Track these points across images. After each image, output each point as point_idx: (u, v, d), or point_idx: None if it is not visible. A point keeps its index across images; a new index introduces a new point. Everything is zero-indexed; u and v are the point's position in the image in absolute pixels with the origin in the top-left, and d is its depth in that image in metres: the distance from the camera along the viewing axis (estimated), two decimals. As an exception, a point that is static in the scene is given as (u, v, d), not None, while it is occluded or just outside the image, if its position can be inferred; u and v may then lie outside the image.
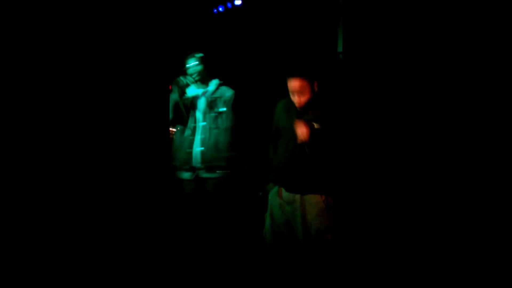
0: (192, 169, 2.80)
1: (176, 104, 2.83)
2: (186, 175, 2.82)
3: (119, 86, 1.73)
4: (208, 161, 2.76)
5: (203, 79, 2.86)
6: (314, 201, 2.23)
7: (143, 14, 1.77)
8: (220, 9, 4.00)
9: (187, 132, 2.83)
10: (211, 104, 2.83)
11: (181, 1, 3.77)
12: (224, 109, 2.81)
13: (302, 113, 2.21)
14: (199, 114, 2.85)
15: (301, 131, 2.12)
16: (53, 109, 1.59)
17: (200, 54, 2.83)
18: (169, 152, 2.84)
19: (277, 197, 2.36)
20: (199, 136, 2.80)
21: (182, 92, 2.83)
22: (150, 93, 1.88)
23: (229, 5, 3.92)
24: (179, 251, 2.48)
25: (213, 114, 2.81)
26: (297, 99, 2.19)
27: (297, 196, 2.26)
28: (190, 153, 2.78)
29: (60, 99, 1.60)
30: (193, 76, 2.82)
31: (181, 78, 2.81)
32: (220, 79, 2.93)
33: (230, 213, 2.78)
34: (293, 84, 2.16)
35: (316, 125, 2.14)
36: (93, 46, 1.66)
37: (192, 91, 2.86)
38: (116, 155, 1.73)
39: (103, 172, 1.71)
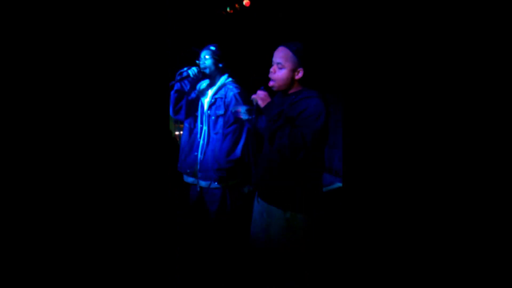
0: (194, 174, 2.54)
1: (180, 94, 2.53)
2: (190, 179, 2.58)
3: (121, 86, 1.74)
4: (205, 169, 2.47)
5: (213, 75, 2.51)
6: (276, 216, 1.85)
7: (148, 14, 1.77)
8: (228, 9, 4.03)
9: (193, 134, 2.57)
10: (212, 106, 2.49)
11: (190, 2, 3.81)
12: (223, 111, 2.47)
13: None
14: (201, 116, 2.54)
15: (258, 93, 1.82)
16: (53, 110, 1.60)
17: (213, 48, 2.48)
18: (173, 154, 2.62)
19: (257, 202, 2.06)
20: (199, 141, 2.52)
21: (191, 87, 2.52)
22: (152, 94, 1.88)
23: (237, 6, 3.94)
24: (173, 255, 2.39)
25: (213, 117, 2.49)
26: (273, 71, 1.85)
27: (265, 204, 1.94)
28: (195, 157, 2.52)
29: (61, 100, 1.61)
30: (203, 70, 2.48)
31: (190, 71, 2.45)
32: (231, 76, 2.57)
33: (223, 226, 2.51)
34: (278, 52, 1.85)
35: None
36: (95, 46, 1.66)
37: (200, 87, 2.57)
38: (114, 157, 1.74)
39: (101, 173, 1.72)
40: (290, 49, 1.81)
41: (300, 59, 1.81)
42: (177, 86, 2.51)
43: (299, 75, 1.83)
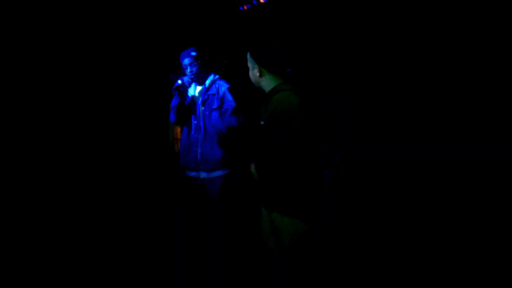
0: (196, 168, 2.73)
1: (180, 106, 2.72)
2: (192, 174, 2.76)
3: (120, 86, 1.77)
4: (205, 162, 2.68)
5: (200, 77, 2.72)
6: (286, 226, 1.71)
7: (148, 14, 1.79)
8: (246, 6, 4.01)
9: (191, 131, 2.74)
10: (206, 102, 2.70)
11: (190, 2, 3.83)
12: (217, 105, 2.67)
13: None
14: (196, 113, 2.73)
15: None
16: (54, 110, 1.64)
17: (194, 53, 2.66)
18: (173, 152, 2.73)
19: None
20: (197, 136, 2.71)
21: (183, 95, 2.71)
22: (151, 93, 1.91)
23: (254, 2, 3.91)
24: (175, 251, 2.43)
25: (207, 113, 2.68)
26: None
27: (268, 213, 1.82)
28: (195, 152, 2.71)
29: (62, 100, 1.65)
30: (190, 75, 2.68)
31: (179, 81, 2.67)
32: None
33: (227, 216, 2.66)
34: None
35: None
36: (96, 46, 1.69)
37: (191, 90, 2.77)
38: (114, 156, 1.77)
39: (103, 172, 1.75)
40: (249, 54, 1.89)
41: (254, 59, 1.87)
42: (176, 101, 2.72)
43: (258, 73, 1.86)
